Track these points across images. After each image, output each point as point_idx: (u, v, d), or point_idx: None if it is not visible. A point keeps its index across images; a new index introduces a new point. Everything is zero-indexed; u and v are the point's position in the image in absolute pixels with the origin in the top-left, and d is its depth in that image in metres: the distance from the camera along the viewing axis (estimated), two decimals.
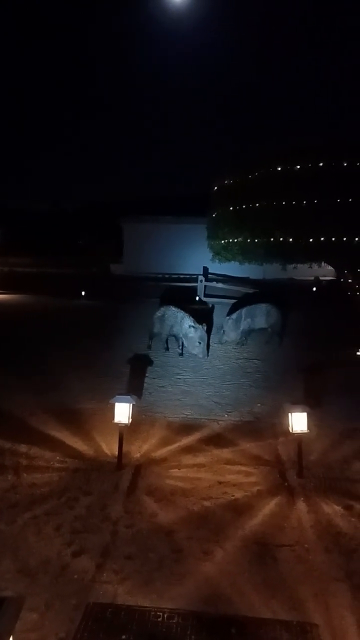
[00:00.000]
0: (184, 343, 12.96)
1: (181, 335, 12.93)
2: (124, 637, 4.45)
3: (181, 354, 13.02)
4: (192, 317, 12.84)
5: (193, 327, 12.54)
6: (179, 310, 13.04)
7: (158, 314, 13.33)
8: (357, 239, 11.73)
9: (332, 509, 6.43)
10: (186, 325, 12.66)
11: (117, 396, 7.48)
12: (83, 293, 21.17)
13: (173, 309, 13.12)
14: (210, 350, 13.12)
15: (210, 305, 17.84)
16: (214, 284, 24.20)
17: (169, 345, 13.50)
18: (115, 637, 4.45)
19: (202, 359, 12.65)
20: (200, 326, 12.61)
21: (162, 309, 13.38)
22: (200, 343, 12.60)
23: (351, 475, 7.31)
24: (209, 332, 13.03)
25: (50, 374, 11.25)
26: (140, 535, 5.86)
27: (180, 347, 13.16)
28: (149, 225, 30.91)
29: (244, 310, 13.65)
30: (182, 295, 20.71)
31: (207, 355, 12.83)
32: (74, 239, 36.93)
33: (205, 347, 12.83)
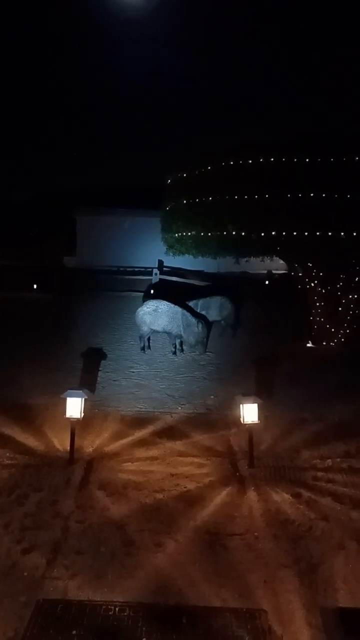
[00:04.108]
0: (184, 340, 12.44)
1: (180, 333, 12.32)
2: (74, 632, 4.43)
3: (174, 352, 12.57)
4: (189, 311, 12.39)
5: (200, 322, 12.17)
6: (172, 305, 12.39)
7: (146, 309, 12.51)
8: (306, 233, 11.99)
9: (281, 497, 6.60)
10: (190, 322, 12.16)
11: (68, 391, 7.40)
12: (35, 286, 20.74)
13: (166, 303, 12.43)
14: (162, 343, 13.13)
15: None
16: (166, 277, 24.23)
17: (149, 344, 12.95)
18: (66, 633, 4.42)
19: (203, 353, 12.44)
20: (202, 321, 12.35)
21: (152, 303, 12.61)
22: (204, 339, 12.35)
23: (300, 464, 7.52)
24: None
25: (0, 369, 10.99)
26: (91, 530, 5.84)
27: (174, 345, 12.64)
28: (103, 217, 30.51)
29: (199, 303, 13.72)
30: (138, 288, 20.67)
31: (205, 350, 12.61)
32: (24, 230, 35.96)
33: (206, 341, 12.64)
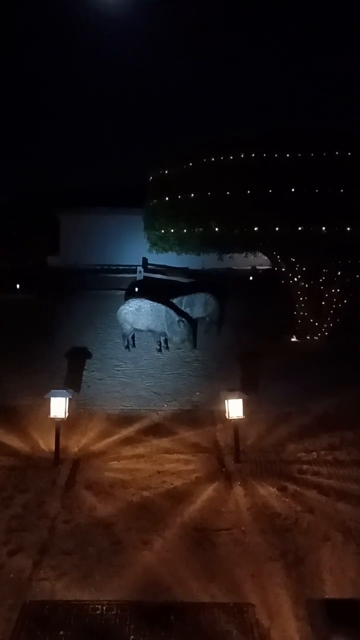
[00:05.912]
0: (168, 338, 12.39)
1: (164, 330, 12.26)
2: (62, 633, 4.41)
3: (159, 350, 12.53)
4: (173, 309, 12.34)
5: (182, 321, 12.09)
6: (156, 303, 12.31)
7: (129, 308, 12.42)
8: (288, 229, 12.03)
9: (267, 491, 6.63)
10: (173, 320, 12.08)
11: (52, 391, 7.36)
12: (18, 286, 20.53)
13: (149, 302, 12.33)
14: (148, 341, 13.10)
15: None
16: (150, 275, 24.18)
17: (134, 342, 12.85)
18: (54, 634, 4.40)
19: (191, 351, 12.43)
20: (185, 319, 12.27)
21: (135, 302, 12.54)
22: (189, 336, 12.31)
23: (285, 457, 7.57)
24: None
25: None
26: (78, 530, 5.82)
27: (159, 343, 12.57)
28: (87, 216, 30.31)
29: (183, 300, 13.71)
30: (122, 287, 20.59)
31: (196, 346, 12.62)
32: (7, 231, 35.61)
33: (194, 338, 12.63)
